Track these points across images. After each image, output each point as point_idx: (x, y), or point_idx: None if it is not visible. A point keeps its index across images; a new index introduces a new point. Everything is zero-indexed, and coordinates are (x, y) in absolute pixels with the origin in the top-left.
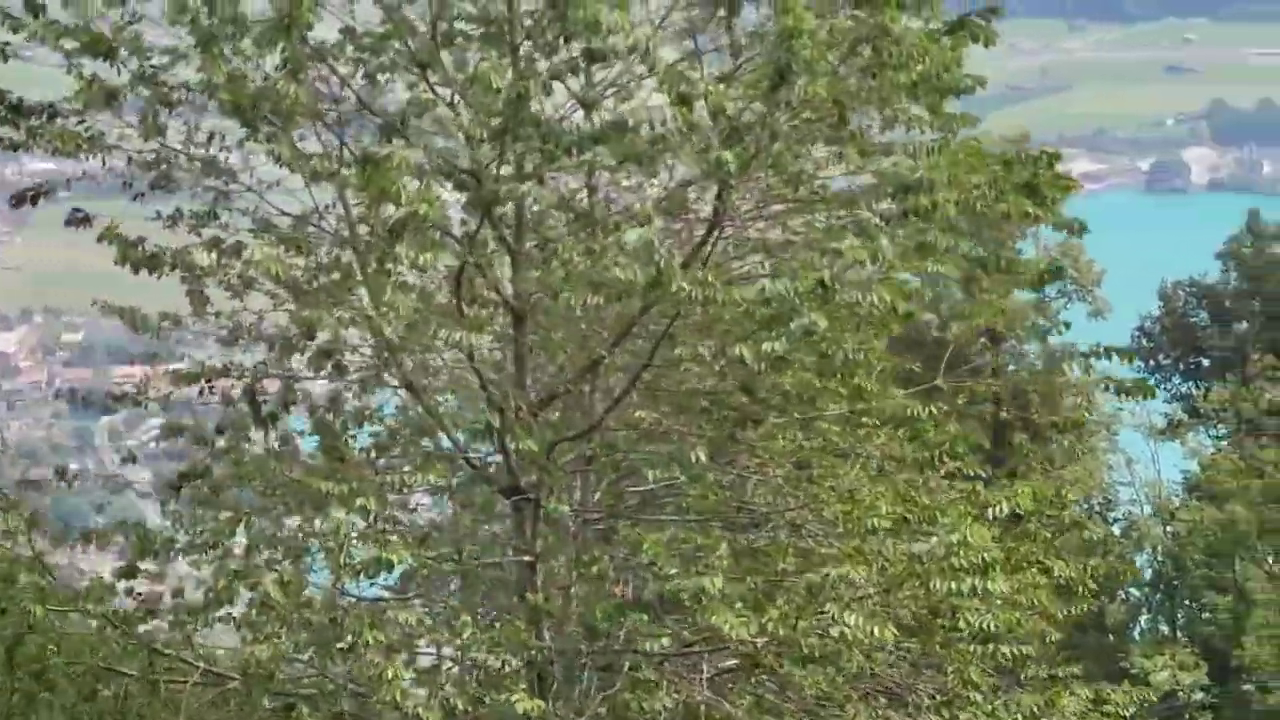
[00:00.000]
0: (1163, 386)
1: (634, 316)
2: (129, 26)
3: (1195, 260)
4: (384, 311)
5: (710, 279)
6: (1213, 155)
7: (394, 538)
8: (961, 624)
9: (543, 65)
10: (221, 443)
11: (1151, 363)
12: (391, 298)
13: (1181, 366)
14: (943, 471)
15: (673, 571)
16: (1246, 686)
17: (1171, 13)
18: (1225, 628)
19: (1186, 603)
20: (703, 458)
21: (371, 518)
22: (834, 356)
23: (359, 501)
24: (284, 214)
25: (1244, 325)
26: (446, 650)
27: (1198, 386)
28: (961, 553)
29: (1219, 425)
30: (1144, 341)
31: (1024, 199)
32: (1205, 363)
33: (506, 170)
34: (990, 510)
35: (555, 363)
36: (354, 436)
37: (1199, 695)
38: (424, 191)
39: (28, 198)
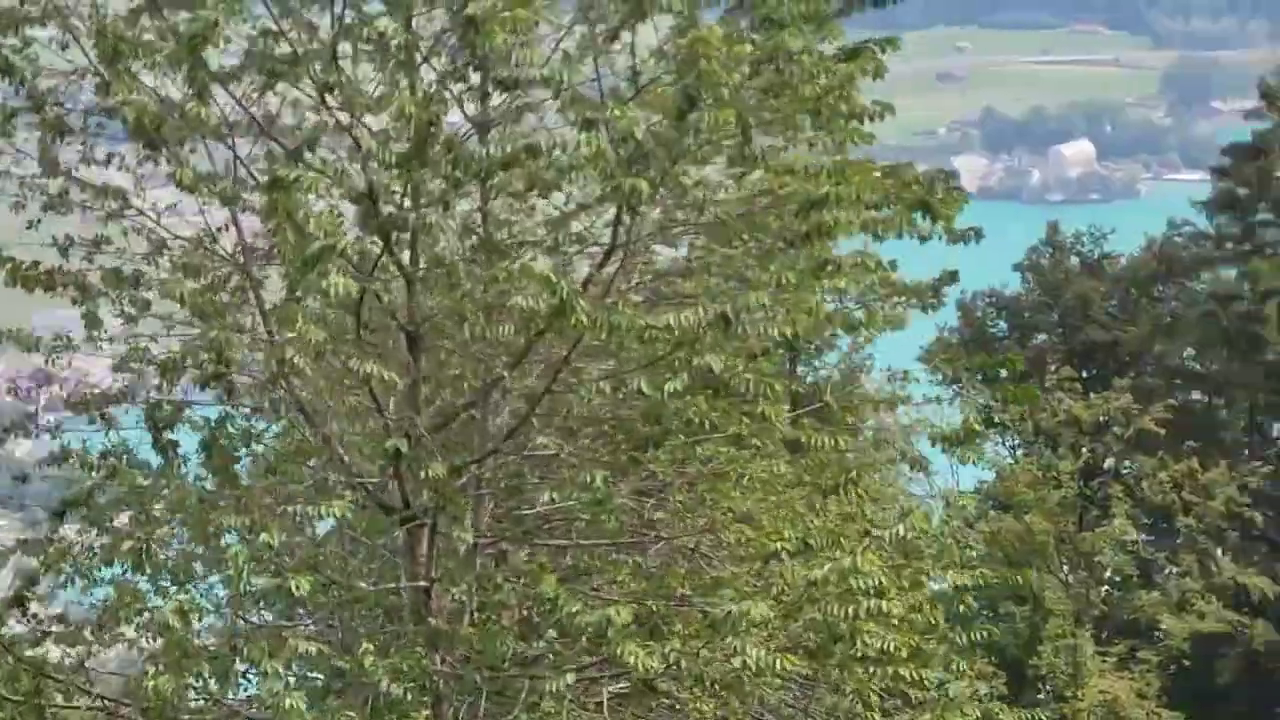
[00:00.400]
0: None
1: (530, 341)
2: (25, 49)
3: (971, 269)
4: (293, 339)
5: (616, 307)
6: (982, 163)
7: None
8: (859, 647)
9: (446, 92)
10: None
11: (951, 374)
12: (304, 326)
13: (981, 377)
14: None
15: (575, 609)
16: (1040, 695)
17: (943, 21)
18: (1021, 636)
19: (984, 612)
20: (600, 482)
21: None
22: (734, 386)
23: (262, 537)
24: (177, 237)
25: (1043, 337)
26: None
27: (996, 399)
28: (856, 576)
29: (1017, 435)
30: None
31: (918, 216)
32: (1004, 374)
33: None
34: (886, 533)
35: (450, 386)
36: (238, 458)
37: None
38: (330, 219)
39: None
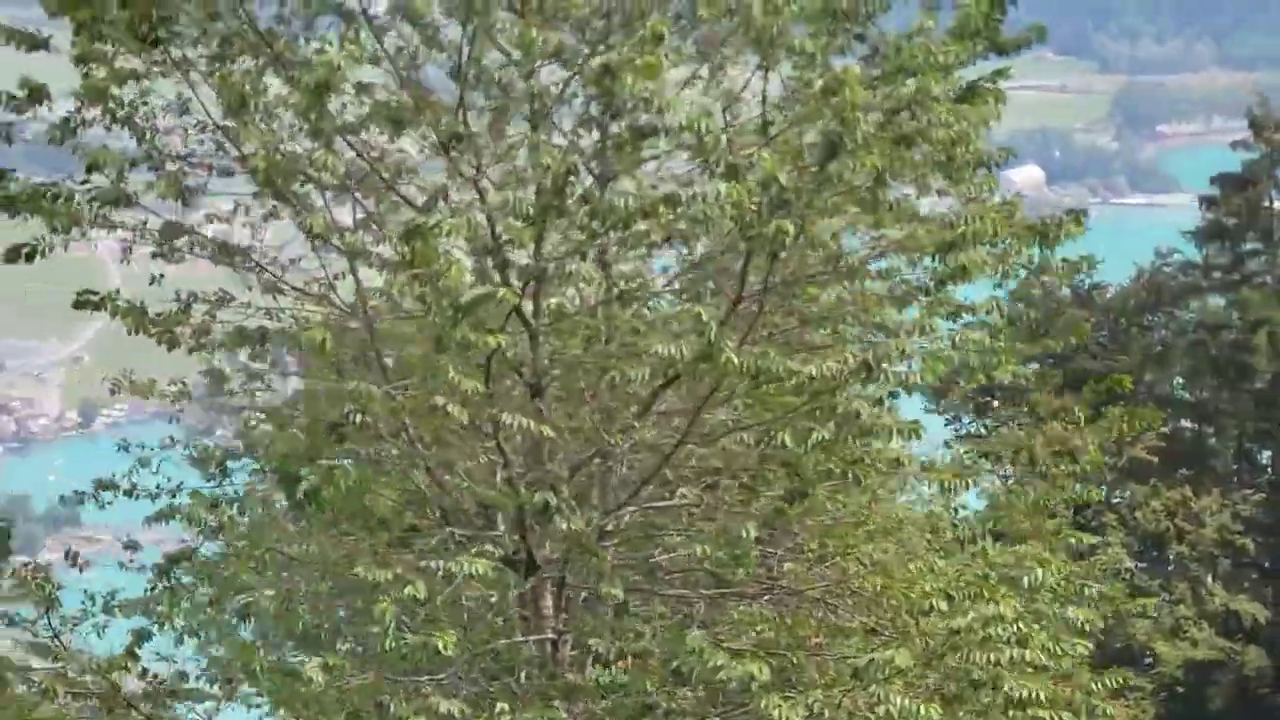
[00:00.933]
0: (952, 426)
1: (659, 389)
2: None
3: None
4: (449, 392)
5: (765, 353)
6: None
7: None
8: (1000, 693)
9: (586, 141)
10: (213, 520)
11: (941, 400)
12: (454, 379)
13: (971, 403)
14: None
15: (719, 662)
16: None
17: None
18: None
19: None
20: (753, 534)
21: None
22: (879, 435)
23: (407, 590)
24: (299, 290)
25: (1034, 366)
26: None
27: (985, 428)
28: (998, 625)
29: (1012, 466)
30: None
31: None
32: (994, 400)
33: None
34: (1027, 579)
35: (572, 438)
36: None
37: None
38: (478, 267)
39: (23, 254)
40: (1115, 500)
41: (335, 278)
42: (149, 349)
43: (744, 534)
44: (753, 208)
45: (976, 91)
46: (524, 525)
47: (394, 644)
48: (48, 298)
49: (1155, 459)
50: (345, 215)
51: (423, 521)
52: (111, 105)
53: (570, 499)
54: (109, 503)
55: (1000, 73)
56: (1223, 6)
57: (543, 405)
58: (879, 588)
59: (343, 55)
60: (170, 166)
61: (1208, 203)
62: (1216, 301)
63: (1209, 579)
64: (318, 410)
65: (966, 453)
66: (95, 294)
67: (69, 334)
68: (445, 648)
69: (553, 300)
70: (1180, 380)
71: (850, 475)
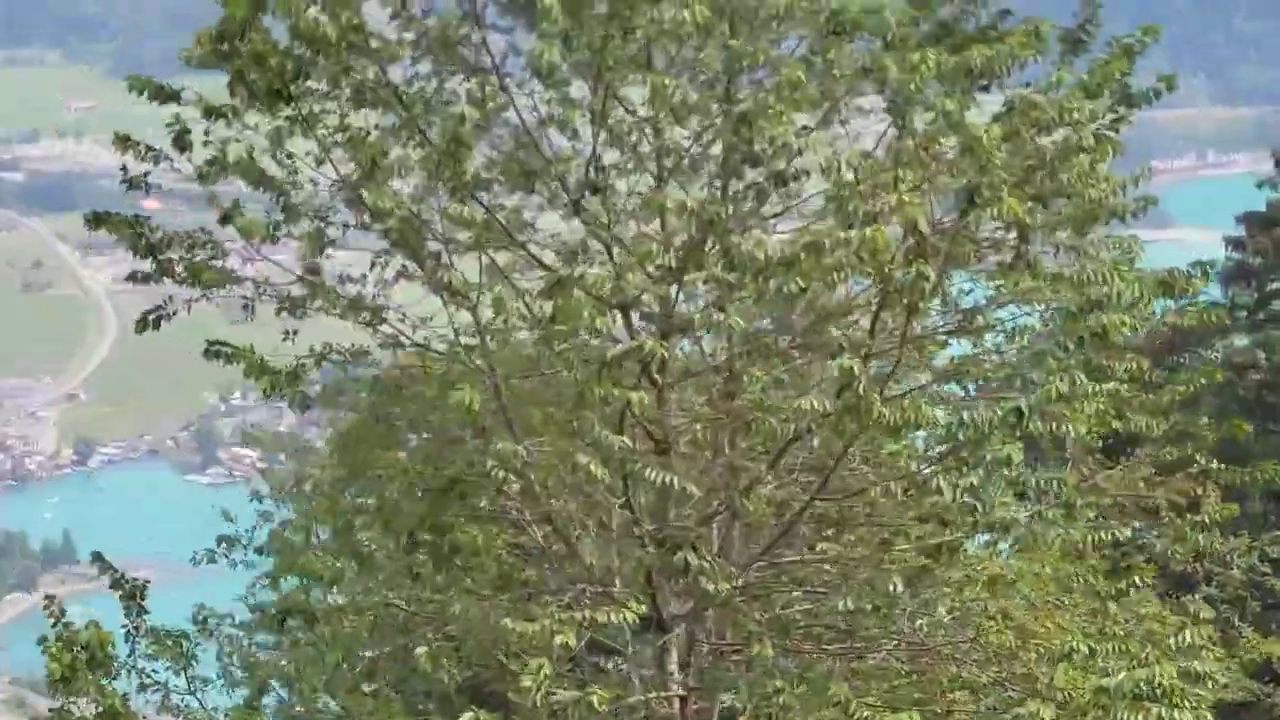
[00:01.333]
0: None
1: (791, 441)
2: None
3: None
4: (598, 448)
5: (907, 405)
6: None
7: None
8: None
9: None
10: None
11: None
12: (598, 434)
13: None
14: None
15: (864, 715)
16: None
17: None
18: None
19: None
20: (900, 587)
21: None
22: (1026, 485)
23: (558, 639)
24: (428, 348)
25: None
26: None
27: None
28: (1150, 685)
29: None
30: None
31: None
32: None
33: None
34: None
35: (701, 492)
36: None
37: None
38: (608, 321)
39: (150, 321)
40: (1142, 541)
41: (458, 334)
42: (143, 387)
43: (891, 587)
44: (890, 257)
45: (1099, 140)
46: (652, 581)
47: (543, 700)
48: (44, 336)
49: (1183, 499)
50: (469, 269)
51: (525, 574)
52: (242, 159)
53: (711, 557)
54: (241, 562)
55: (1121, 120)
56: (1215, 42)
57: (667, 462)
58: (1013, 642)
59: (477, 112)
60: (305, 224)
61: (1233, 243)
62: (1242, 342)
63: (1238, 620)
64: (438, 466)
65: (1088, 504)
66: (226, 346)
67: (64, 372)
68: (600, 704)
69: (679, 354)
70: (1207, 420)
71: (997, 526)
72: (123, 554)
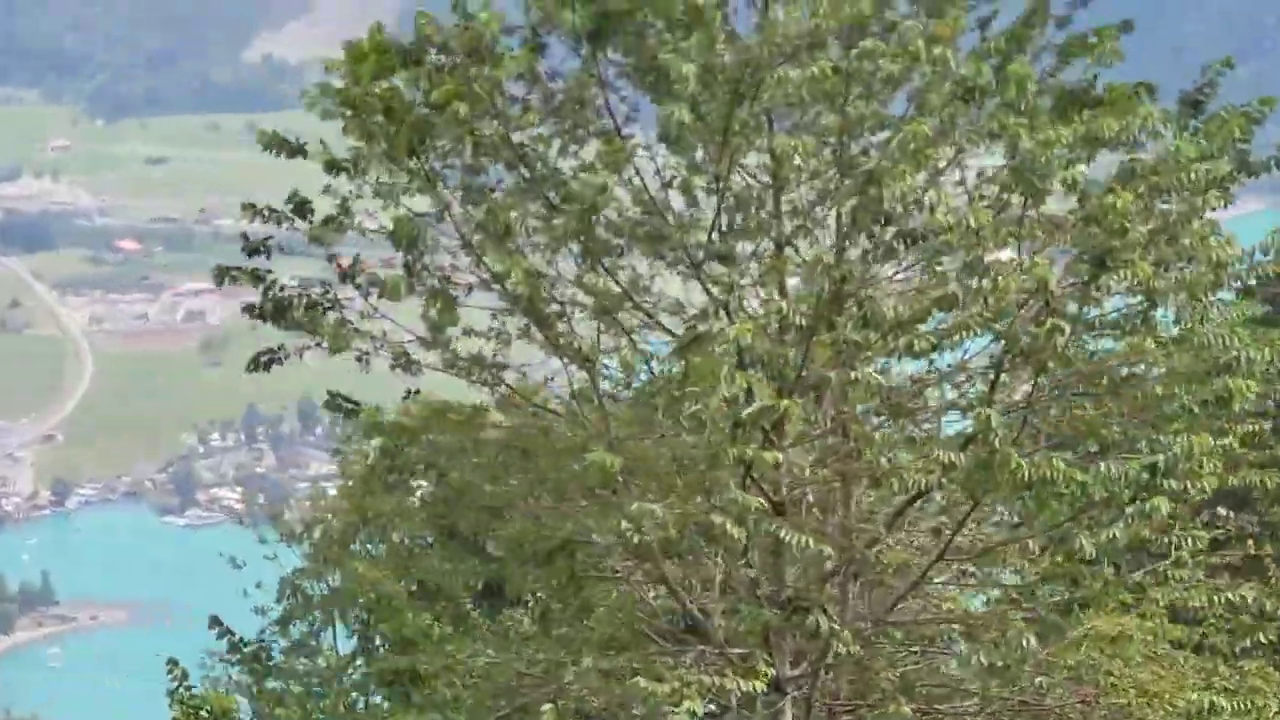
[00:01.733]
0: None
1: (914, 499)
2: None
3: None
4: (731, 509)
5: (1039, 460)
6: None
7: None
8: None
9: (854, 252)
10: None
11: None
12: (732, 494)
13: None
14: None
15: None
16: None
17: None
18: None
19: None
20: (1033, 644)
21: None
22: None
23: (686, 705)
24: (549, 410)
25: None
26: None
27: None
28: None
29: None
30: None
31: None
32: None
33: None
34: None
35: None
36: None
37: None
38: (751, 377)
39: (261, 363)
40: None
41: (574, 396)
42: (119, 430)
43: (1025, 642)
44: (1020, 314)
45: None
46: (768, 642)
47: None
48: (21, 376)
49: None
50: (585, 330)
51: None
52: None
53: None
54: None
55: (1229, 178)
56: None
57: (783, 522)
58: (1134, 700)
59: (613, 176)
60: (431, 281)
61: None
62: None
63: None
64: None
65: (1199, 560)
66: (348, 401)
67: (42, 413)
68: None
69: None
70: None
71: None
72: (100, 595)
